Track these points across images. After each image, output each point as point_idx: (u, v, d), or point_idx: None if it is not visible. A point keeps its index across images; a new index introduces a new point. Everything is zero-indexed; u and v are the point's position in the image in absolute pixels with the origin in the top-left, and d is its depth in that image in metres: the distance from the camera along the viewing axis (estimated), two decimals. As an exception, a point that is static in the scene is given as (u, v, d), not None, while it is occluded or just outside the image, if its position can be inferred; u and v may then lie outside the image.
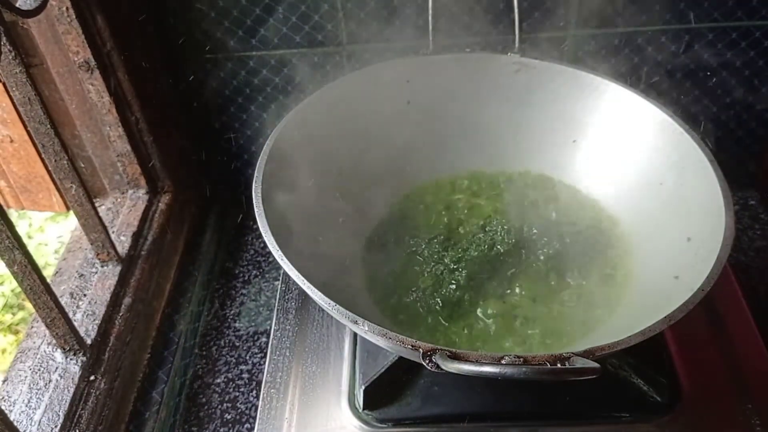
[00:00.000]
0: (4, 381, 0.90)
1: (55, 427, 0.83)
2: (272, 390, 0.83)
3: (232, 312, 1.17)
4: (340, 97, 0.90)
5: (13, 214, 1.56)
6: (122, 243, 1.07)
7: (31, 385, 0.87)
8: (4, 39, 0.76)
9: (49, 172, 1.07)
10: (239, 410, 1.02)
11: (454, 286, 0.81)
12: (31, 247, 1.36)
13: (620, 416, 0.76)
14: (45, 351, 0.91)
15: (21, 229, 1.59)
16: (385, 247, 0.90)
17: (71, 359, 0.89)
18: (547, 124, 0.96)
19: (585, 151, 0.95)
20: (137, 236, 1.10)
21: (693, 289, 0.64)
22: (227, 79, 1.18)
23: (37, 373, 0.88)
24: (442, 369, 0.57)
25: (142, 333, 1.03)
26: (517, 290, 0.83)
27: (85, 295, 0.99)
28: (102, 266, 1.03)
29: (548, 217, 0.91)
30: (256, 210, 0.73)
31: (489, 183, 0.98)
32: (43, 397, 0.86)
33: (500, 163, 0.99)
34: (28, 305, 1.43)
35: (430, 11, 0.93)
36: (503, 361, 0.56)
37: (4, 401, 0.86)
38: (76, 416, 0.86)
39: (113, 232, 1.08)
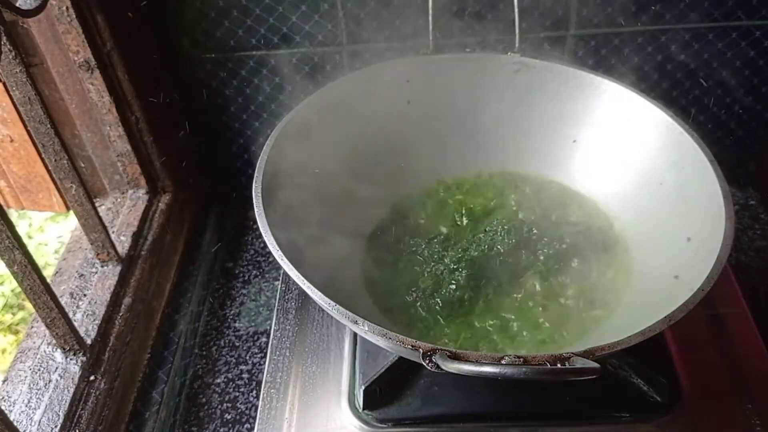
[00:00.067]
0: (4, 381, 0.90)
1: (55, 427, 0.83)
2: (272, 390, 0.83)
3: (232, 312, 1.18)
4: (340, 97, 0.90)
5: (13, 214, 1.56)
6: (122, 243, 1.07)
7: (31, 385, 0.87)
8: (4, 39, 0.76)
9: (49, 172, 1.07)
10: (239, 410, 1.02)
11: (454, 286, 0.81)
12: (31, 247, 1.36)
13: (620, 416, 0.76)
14: (45, 351, 0.91)
15: (21, 229, 1.59)
16: (385, 247, 0.90)
17: (71, 359, 0.89)
18: (547, 124, 0.96)
19: (585, 151, 0.95)
20: (137, 236, 1.10)
21: (693, 289, 0.64)
22: (227, 79, 1.18)
23: (37, 373, 0.88)
24: (442, 369, 0.57)
25: (142, 333, 1.03)
26: (517, 290, 0.83)
27: (85, 295, 0.99)
28: (102, 266, 1.03)
29: (548, 217, 0.91)
30: (256, 210, 0.73)
31: (489, 183, 0.98)
32: (43, 397, 0.86)
33: (500, 163, 0.99)
34: (28, 305, 1.43)
35: (430, 11, 0.93)
36: (503, 361, 0.56)
37: (4, 401, 0.86)
38: (76, 416, 0.86)
39: (113, 232, 1.08)
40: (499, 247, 0.84)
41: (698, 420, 0.76)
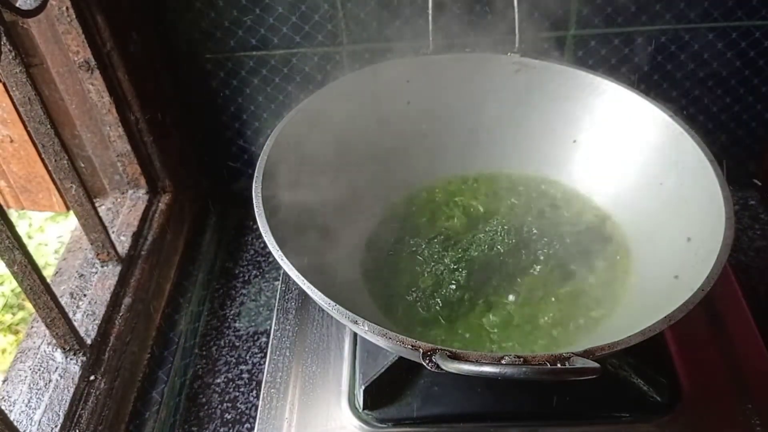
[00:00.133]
0: (4, 381, 0.90)
1: (55, 427, 0.83)
2: (272, 390, 0.83)
3: (232, 312, 1.18)
4: (340, 97, 0.91)
5: (13, 214, 1.56)
6: (122, 243, 1.07)
7: (31, 385, 0.87)
8: (4, 39, 0.76)
9: (49, 172, 1.07)
10: (239, 410, 1.02)
11: (454, 286, 0.81)
12: (31, 247, 1.36)
13: (620, 416, 0.76)
14: (45, 351, 0.91)
15: (21, 229, 1.59)
16: (385, 247, 0.90)
17: (71, 359, 0.89)
18: (547, 124, 0.96)
19: (585, 151, 0.95)
20: (137, 236, 1.10)
21: (693, 289, 0.64)
22: (227, 79, 1.18)
23: (37, 373, 0.88)
24: (442, 369, 0.57)
25: (142, 333, 1.03)
26: (517, 290, 0.83)
27: (85, 295, 0.99)
28: (102, 266, 1.03)
29: (548, 217, 0.91)
30: (256, 210, 0.73)
31: (489, 183, 0.98)
32: (43, 397, 0.86)
33: (500, 163, 0.99)
34: (28, 305, 1.43)
35: (430, 11, 0.93)
36: (503, 361, 0.56)
37: (4, 401, 0.86)
38: (76, 416, 0.86)
39: (113, 232, 1.08)
40: (499, 247, 0.84)
41: (698, 420, 0.76)
